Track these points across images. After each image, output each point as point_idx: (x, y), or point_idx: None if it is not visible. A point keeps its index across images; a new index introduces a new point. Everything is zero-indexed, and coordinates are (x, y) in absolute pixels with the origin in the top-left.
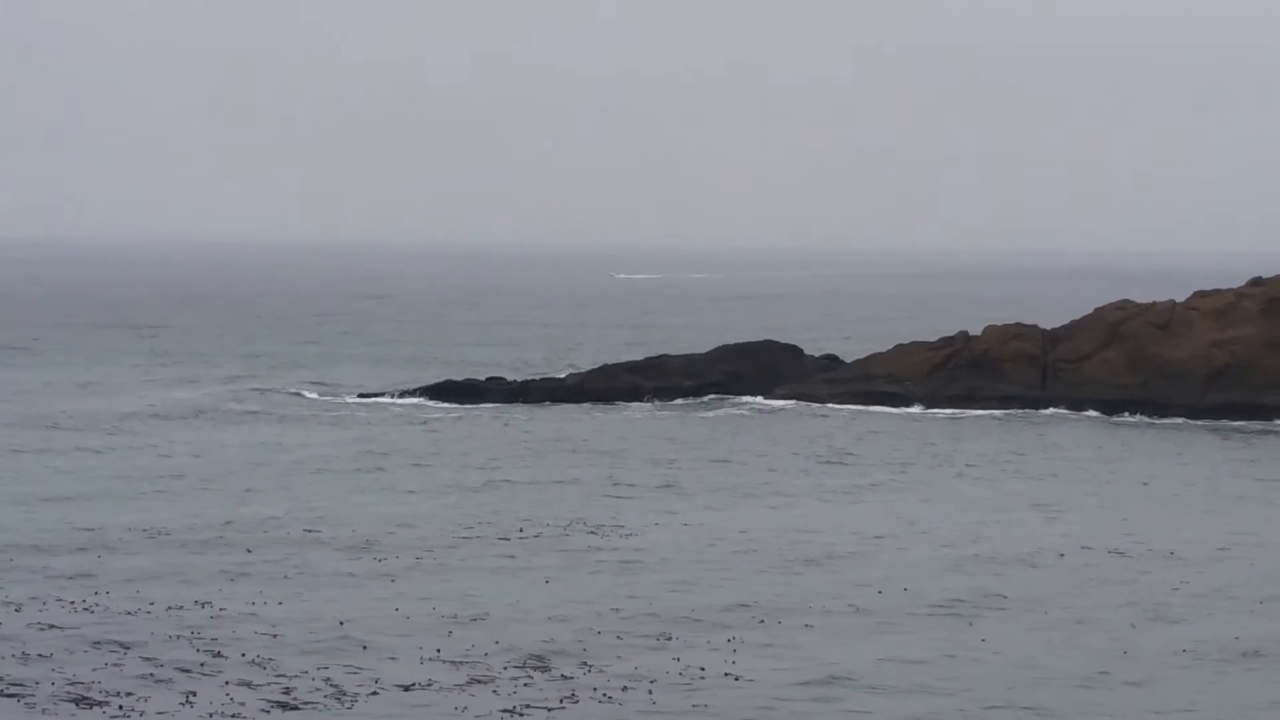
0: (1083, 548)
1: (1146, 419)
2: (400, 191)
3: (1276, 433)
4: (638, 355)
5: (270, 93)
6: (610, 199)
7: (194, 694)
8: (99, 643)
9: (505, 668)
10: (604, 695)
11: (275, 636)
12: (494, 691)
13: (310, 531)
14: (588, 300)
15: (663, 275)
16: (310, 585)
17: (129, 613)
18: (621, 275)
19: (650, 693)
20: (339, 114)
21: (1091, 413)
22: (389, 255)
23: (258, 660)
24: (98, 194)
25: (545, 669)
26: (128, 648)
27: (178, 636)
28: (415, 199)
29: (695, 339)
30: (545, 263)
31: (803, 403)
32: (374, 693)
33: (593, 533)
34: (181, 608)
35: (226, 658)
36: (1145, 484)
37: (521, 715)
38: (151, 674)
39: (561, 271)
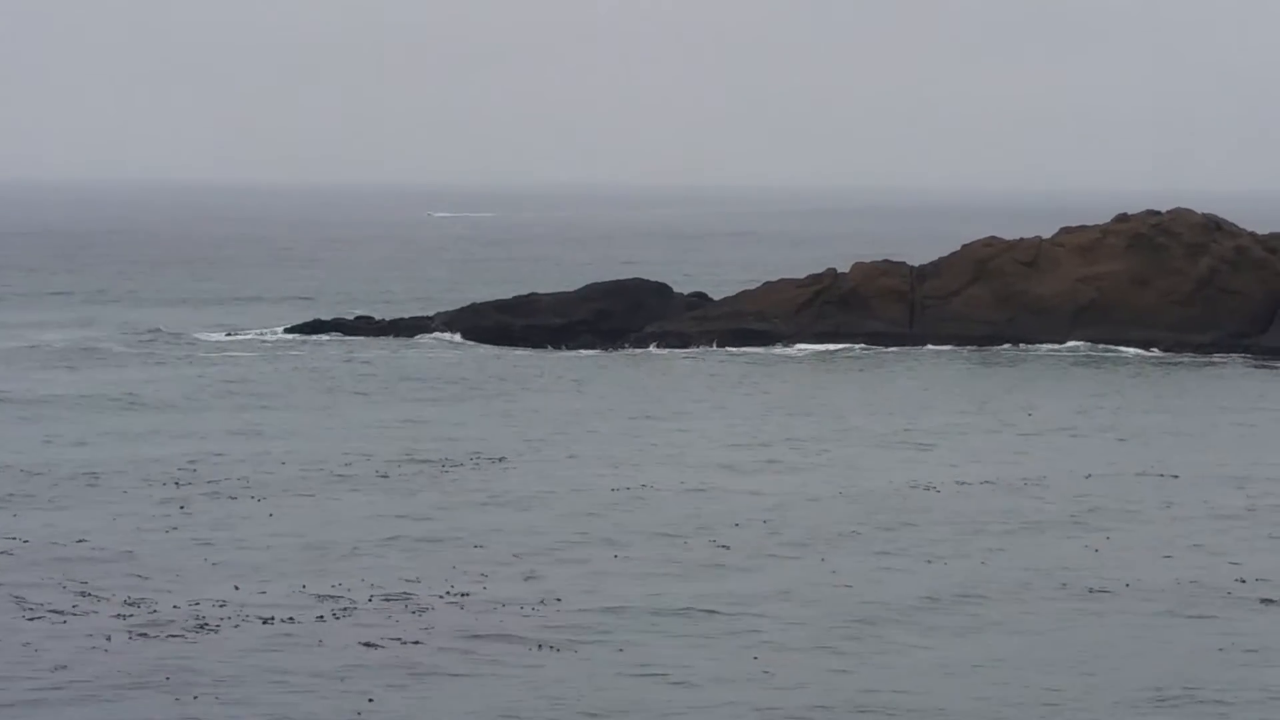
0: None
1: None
2: (201, 130)
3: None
4: (505, 294)
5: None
6: (423, 139)
7: (63, 625)
8: None
9: (370, 600)
10: (462, 629)
11: (146, 577)
12: (355, 624)
13: (184, 470)
14: (436, 240)
15: (491, 214)
16: (184, 523)
17: (2, 551)
18: (438, 214)
19: (502, 621)
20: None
21: (967, 349)
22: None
23: (129, 595)
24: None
25: (408, 602)
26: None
27: (50, 572)
28: (215, 137)
29: (559, 278)
30: (348, 200)
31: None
32: (236, 625)
33: (470, 467)
34: (56, 543)
35: (98, 593)
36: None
37: (378, 647)
38: (22, 608)
39: (374, 210)
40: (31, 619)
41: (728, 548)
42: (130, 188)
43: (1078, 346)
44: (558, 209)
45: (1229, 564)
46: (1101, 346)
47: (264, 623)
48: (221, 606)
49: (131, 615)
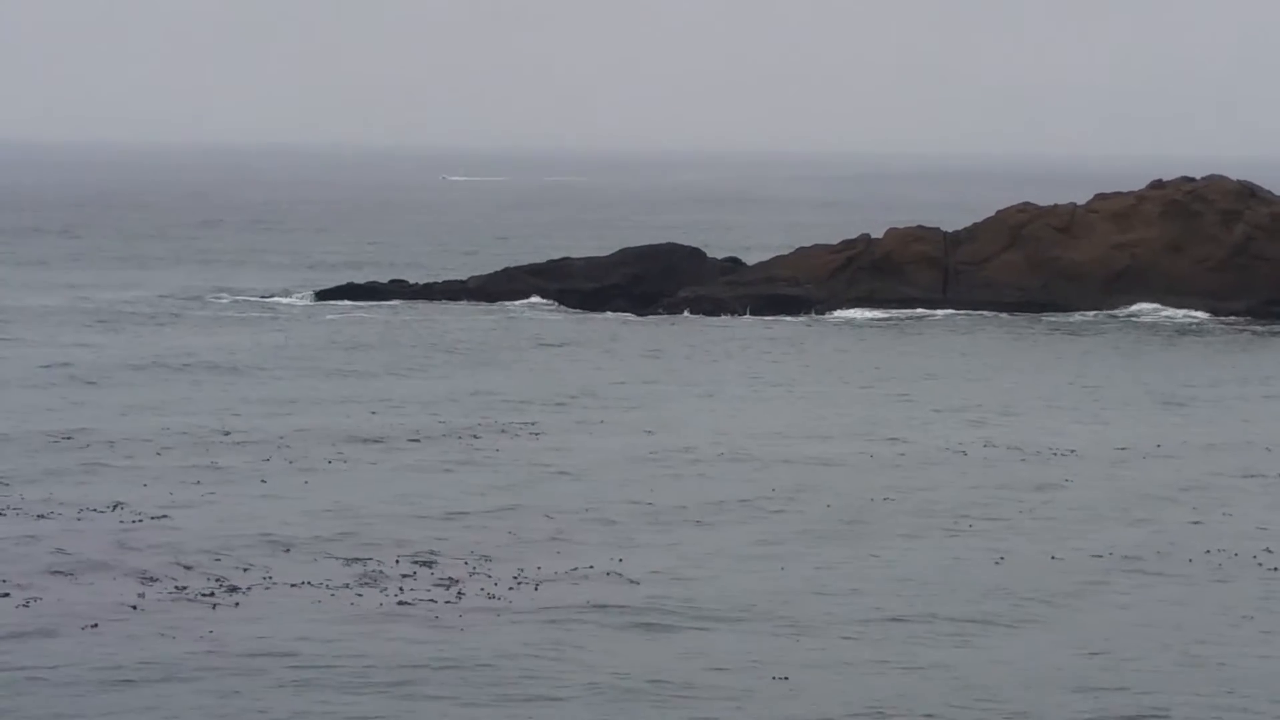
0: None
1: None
2: (212, 91)
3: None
4: (539, 259)
5: None
6: (440, 101)
7: (94, 587)
8: (7, 539)
9: (397, 561)
10: (489, 594)
11: (179, 541)
12: (383, 590)
13: (218, 435)
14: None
15: (507, 178)
16: (219, 486)
17: (40, 514)
18: (454, 177)
19: (536, 589)
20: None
21: (1002, 315)
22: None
23: (160, 557)
24: None
25: (435, 568)
26: (36, 541)
27: (85, 536)
28: (232, 98)
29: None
30: (365, 163)
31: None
32: (266, 589)
33: (506, 433)
34: (92, 509)
35: (131, 554)
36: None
37: (409, 605)
38: (58, 569)
39: (388, 173)
40: (66, 580)
41: (763, 512)
42: (131, 150)
43: (1113, 313)
44: (580, 173)
45: (1259, 531)
46: (1137, 312)
47: (292, 587)
48: (248, 571)
49: (163, 579)
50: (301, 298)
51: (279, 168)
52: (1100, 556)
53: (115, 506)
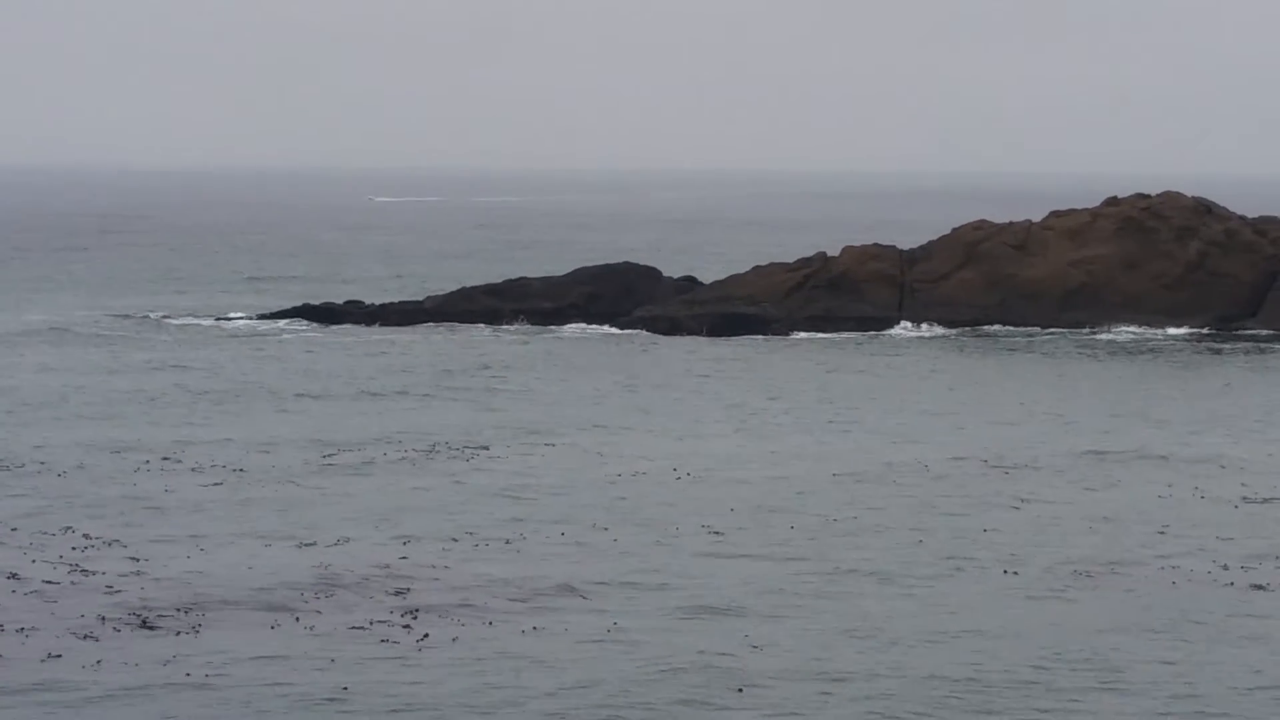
0: None
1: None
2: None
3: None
4: (494, 278)
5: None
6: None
7: (54, 613)
8: None
9: (356, 583)
10: (442, 614)
11: (136, 561)
12: (343, 610)
13: (170, 459)
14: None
15: (437, 199)
16: (171, 512)
17: None
18: (380, 199)
19: (490, 609)
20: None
21: (961, 333)
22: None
23: (118, 583)
24: None
25: (393, 584)
26: None
27: (43, 560)
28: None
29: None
30: (293, 184)
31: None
32: (224, 607)
33: (458, 455)
34: (48, 533)
35: (88, 581)
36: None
37: (367, 629)
38: (14, 592)
39: (316, 195)
40: (24, 604)
41: (721, 534)
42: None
43: (1069, 330)
44: (516, 194)
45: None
46: (1092, 329)
47: (253, 610)
48: (209, 594)
49: (122, 600)
50: (249, 318)
51: (203, 190)
52: (1050, 570)
53: (67, 530)
